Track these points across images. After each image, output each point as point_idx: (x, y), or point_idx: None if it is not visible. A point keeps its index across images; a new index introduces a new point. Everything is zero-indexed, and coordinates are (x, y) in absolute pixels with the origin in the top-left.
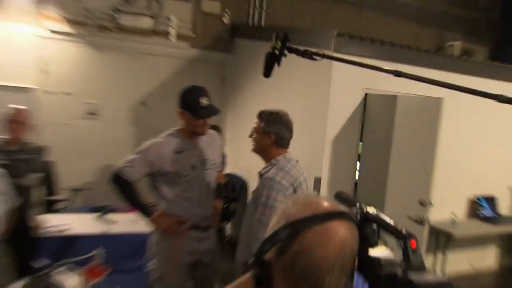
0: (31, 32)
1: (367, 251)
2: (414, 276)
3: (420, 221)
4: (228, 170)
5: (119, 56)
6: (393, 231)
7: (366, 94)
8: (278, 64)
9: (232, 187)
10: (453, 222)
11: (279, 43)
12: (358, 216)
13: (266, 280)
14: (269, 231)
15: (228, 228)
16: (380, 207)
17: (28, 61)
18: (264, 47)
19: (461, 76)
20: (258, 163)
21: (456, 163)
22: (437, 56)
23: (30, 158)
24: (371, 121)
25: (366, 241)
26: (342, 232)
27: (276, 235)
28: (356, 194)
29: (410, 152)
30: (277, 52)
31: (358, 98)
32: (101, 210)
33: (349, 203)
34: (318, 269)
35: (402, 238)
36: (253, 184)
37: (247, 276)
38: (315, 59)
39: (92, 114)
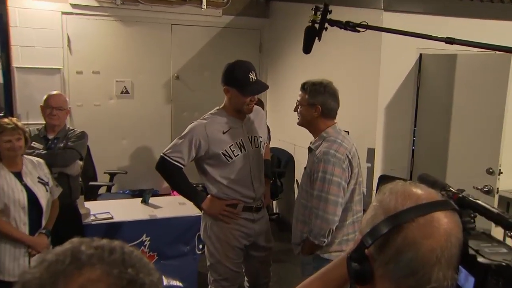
0: (54, 8)
1: (467, 241)
2: None
3: (488, 191)
4: (271, 144)
5: (147, 29)
6: (499, 219)
7: (420, 55)
8: (319, 39)
9: (278, 162)
10: None
11: (318, 16)
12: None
13: (366, 275)
14: (366, 225)
15: (274, 205)
16: (441, 177)
17: (54, 41)
18: (304, 9)
19: None
20: (302, 135)
21: None
22: (492, 4)
23: (70, 145)
24: (428, 84)
25: (464, 230)
26: (446, 222)
27: (377, 230)
28: (414, 164)
29: (474, 115)
30: (317, 26)
31: (412, 60)
32: (141, 194)
33: (438, 187)
34: (424, 263)
35: (510, 226)
36: (299, 157)
37: (340, 258)
38: (358, 31)
39: (124, 92)
